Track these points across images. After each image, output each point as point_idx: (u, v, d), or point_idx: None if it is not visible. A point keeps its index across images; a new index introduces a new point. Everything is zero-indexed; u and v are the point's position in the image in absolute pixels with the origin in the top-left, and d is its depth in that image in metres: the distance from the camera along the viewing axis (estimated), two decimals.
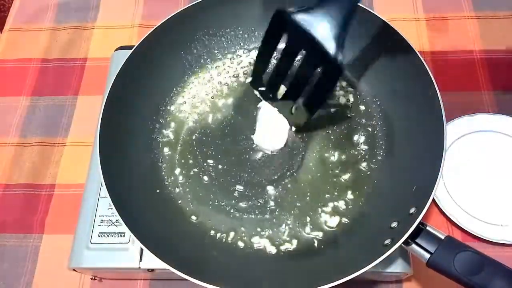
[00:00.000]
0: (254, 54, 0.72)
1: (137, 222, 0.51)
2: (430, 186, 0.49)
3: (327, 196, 0.60)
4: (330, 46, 0.50)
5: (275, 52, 0.59)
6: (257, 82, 0.63)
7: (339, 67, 0.51)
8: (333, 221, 0.58)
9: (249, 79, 0.66)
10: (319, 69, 0.54)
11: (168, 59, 0.68)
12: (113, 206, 0.51)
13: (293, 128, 0.64)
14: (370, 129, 0.65)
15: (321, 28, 0.50)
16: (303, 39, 0.51)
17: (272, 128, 0.63)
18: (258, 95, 0.66)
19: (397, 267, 0.53)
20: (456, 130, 0.68)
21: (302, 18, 0.51)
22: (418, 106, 0.58)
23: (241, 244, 0.58)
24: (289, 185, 0.61)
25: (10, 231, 0.68)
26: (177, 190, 0.62)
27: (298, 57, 0.56)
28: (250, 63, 0.71)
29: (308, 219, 0.59)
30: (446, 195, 0.64)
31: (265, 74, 0.62)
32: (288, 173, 0.62)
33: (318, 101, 0.58)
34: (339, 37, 0.50)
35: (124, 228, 0.50)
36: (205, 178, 0.62)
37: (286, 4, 0.53)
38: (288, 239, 0.58)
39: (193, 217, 0.60)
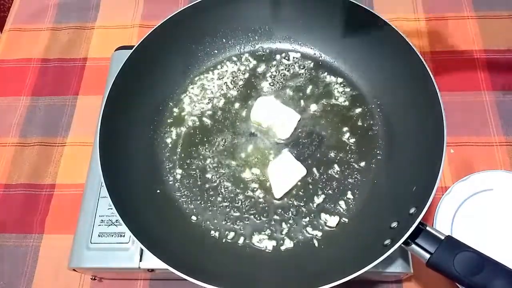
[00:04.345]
0: (254, 54, 0.72)
1: (137, 222, 0.51)
2: (430, 186, 0.49)
3: (327, 196, 0.60)
4: None
5: None
6: None
7: None
8: (333, 221, 0.58)
9: None
10: None
11: (168, 59, 0.68)
12: (113, 206, 0.51)
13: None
14: (370, 129, 0.65)
15: None
16: None
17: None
18: None
19: (397, 267, 0.53)
20: (469, 188, 0.63)
21: None
22: (418, 106, 0.58)
23: (241, 244, 0.58)
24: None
25: (10, 231, 0.68)
26: (177, 190, 0.62)
27: None
28: (251, 63, 0.72)
29: (308, 219, 0.59)
30: None
31: None
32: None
33: None
34: None
35: (124, 228, 0.50)
36: (205, 178, 0.62)
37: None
38: (288, 238, 0.58)
39: (193, 217, 0.60)
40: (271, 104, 0.66)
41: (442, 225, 0.61)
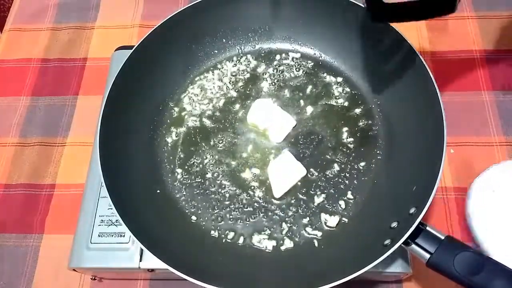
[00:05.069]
0: (254, 54, 0.72)
1: (137, 222, 0.51)
2: (430, 186, 0.49)
3: (327, 196, 0.60)
4: None
5: None
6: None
7: None
8: (333, 221, 0.58)
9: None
10: None
11: (168, 59, 0.68)
12: (113, 206, 0.51)
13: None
14: (370, 129, 0.65)
15: None
16: None
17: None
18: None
19: (397, 267, 0.53)
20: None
21: None
22: (418, 106, 0.58)
23: (241, 244, 0.58)
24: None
25: (10, 231, 0.68)
26: (177, 190, 0.62)
27: None
28: (251, 63, 0.72)
29: (308, 218, 0.59)
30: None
31: None
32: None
33: None
34: None
35: (124, 228, 0.50)
36: (205, 178, 0.62)
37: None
38: (288, 238, 0.58)
39: (193, 217, 0.60)
40: (268, 106, 0.66)
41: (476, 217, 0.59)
